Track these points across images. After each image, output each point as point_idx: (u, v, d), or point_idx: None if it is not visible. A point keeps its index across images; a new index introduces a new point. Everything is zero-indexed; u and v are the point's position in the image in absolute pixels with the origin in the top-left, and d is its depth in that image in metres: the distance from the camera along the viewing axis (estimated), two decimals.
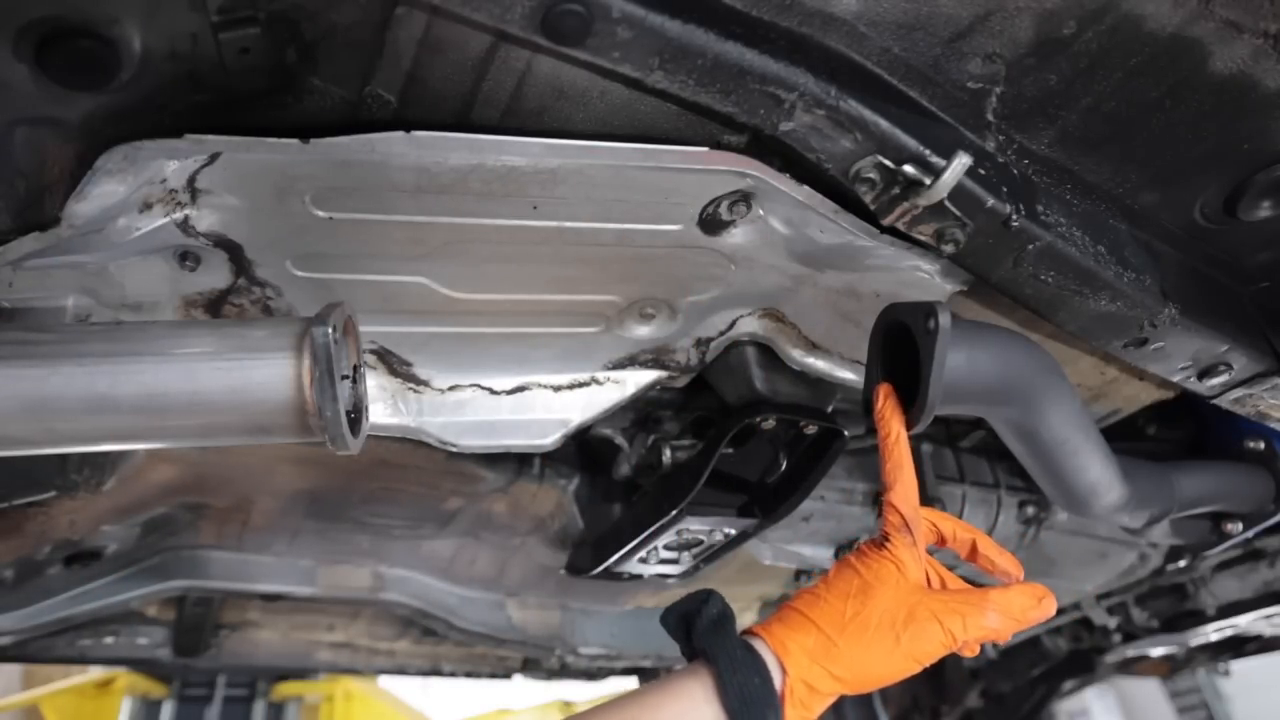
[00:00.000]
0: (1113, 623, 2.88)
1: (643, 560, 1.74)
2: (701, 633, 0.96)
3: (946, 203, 1.03)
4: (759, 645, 0.95)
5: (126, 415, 0.88)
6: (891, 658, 0.94)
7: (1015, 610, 0.98)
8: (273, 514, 1.97)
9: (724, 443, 1.48)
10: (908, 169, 1.00)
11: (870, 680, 0.94)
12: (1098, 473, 1.32)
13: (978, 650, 1.02)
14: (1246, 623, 2.70)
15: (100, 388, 0.87)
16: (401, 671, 2.97)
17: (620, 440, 1.64)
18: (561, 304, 1.31)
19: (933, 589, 0.99)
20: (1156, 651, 3.02)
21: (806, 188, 1.09)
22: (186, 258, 1.11)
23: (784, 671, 0.93)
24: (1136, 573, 2.52)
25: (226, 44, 0.83)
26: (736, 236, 1.23)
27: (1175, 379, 1.35)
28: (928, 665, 0.96)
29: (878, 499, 1.95)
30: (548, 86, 0.96)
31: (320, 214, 1.08)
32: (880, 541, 1.01)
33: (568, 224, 1.15)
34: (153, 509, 1.88)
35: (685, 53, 0.88)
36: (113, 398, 0.87)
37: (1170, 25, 0.96)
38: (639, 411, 1.63)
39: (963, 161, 0.97)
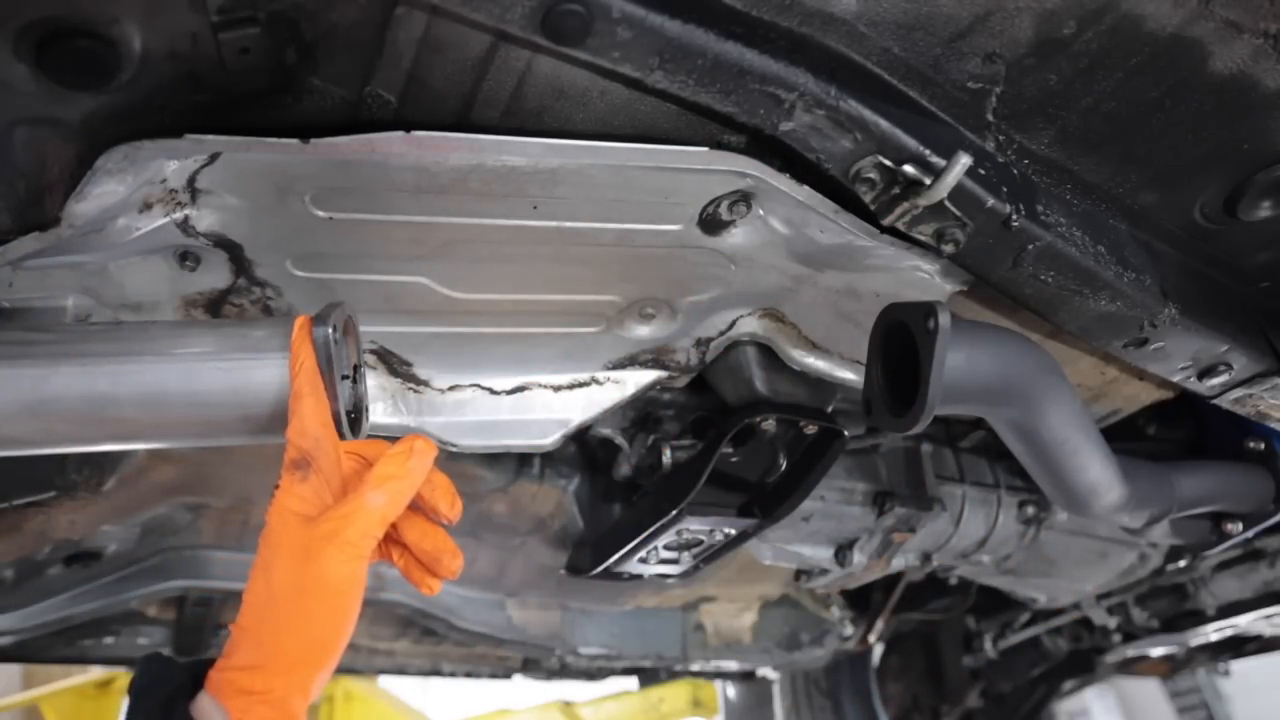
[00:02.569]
0: (1113, 623, 2.88)
1: (643, 560, 1.74)
2: None
3: (946, 203, 1.03)
4: (205, 705, 0.81)
5: (126, 415, 0.88)
6: (319, 613, 0.83)
7: (394, 473, 0.87)
8: None
9: (724, 443, 1.48)
10: (908, 169, 1.00)
11: (324, 652, 0.84)
12: (1098, 473, 1.32)
13: (431, 547, 0.93)
14: (1246, 623, 2.70)
15: (100, 387, 0.87)
16: (401, 671, 2.96)
17: (620, 440, 1.64)
18: (561, 304, 1.31)
19: (320, 513, 0.85)
20: (1156, 651, 3.02)
21: (806, 188, 1.09)
22: (186, 258, 1.11)
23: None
24: (1136, 573, 2.52)
25: (226, 44, 0.83)
26: (736, 236, 1.23)
27: (1175, 379, 1.35)
28: (354, 592, 0.84)
29: (879, 498, 1.95)
30: (548, 86, 0.96)
31: (320, 214, 1.08)
32: (272, 492, 0.88)
33: (568, 224, 1.15)
34: (153, 509, 1.88)
35: (685, 53, 0.88)
36: (113, 397, 0.87)
37: (1170, 25, 0.96)
38: (639, 411, 1.63)
39: (963, 161, 0.97)
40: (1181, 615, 2.78)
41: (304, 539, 0.83)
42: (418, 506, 0.96)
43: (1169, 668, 3.35)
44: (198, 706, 0.81)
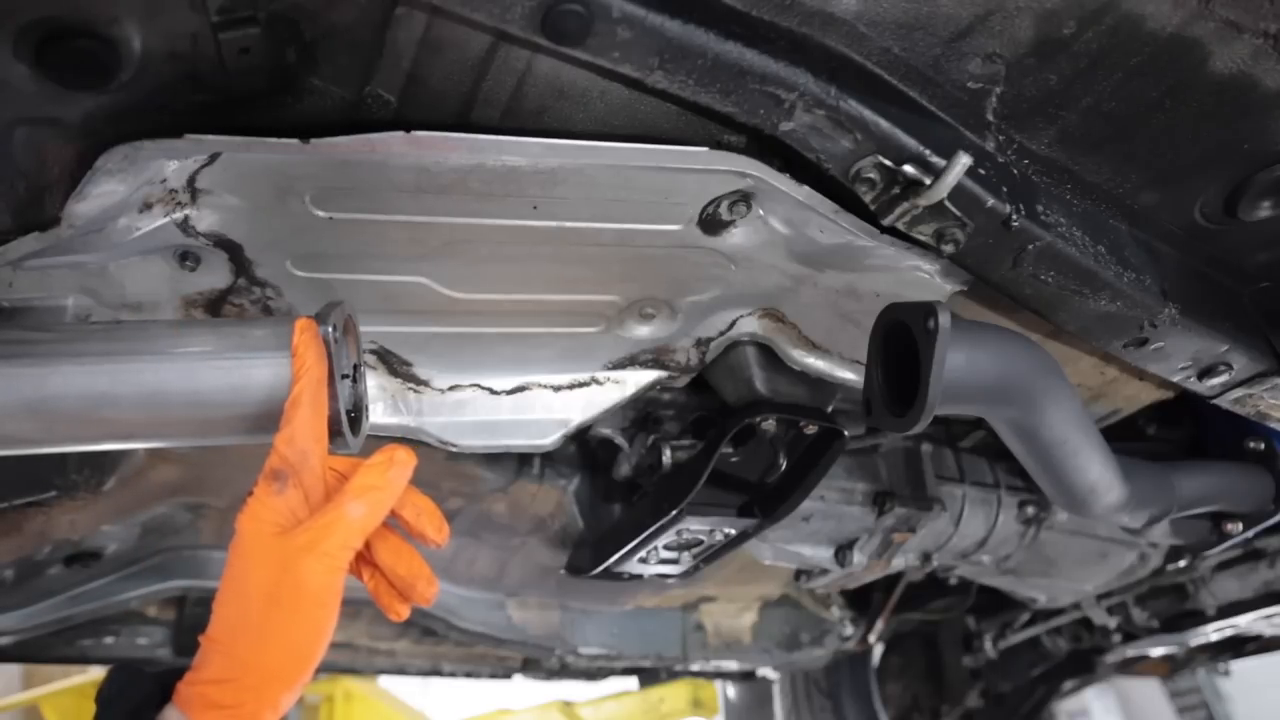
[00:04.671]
0: (1113, 623, 2.88)
1: (643, 560, 1.74)
2: None
3: (946, 203, 1.03)
4: (172, 718, 0.80)
5: (126, 414, 0.88)
6: (295, 626, 0.80)
7: (374, 483, 0.86)
8: None
9: (724, 443, 1.48)
10: (908, 169, 1.00)
11: (299, 666, 0.81)
12: (1098, 473, 1.32)
13: (408, 561, 0.90)
14: (1246, 623, 2.70)
15: (100, 387, 0.87)
16: (401, 671, 2.96)
17: (620, 440, 1.64)
18: (561, 304, 1.31)
19: (296, 526, 0.83)
20: (1156, 651, 3.02)
21: (806, 188, 1.09)
22: (186, 258, 1.11)
23: None
24: (1136, 573, 2.52)
25: (226, 44, 0.83)
26: (736, 236, 1.23)
27: (1175, 379, 1.35)
28: (331, 603, 0.82)
29: (879, 498, 1.95)
30: (548, 86, 0.96)
31: (320, 214, 1.08)
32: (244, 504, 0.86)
33: (568, 224, 1.15)
34: (153, 509, 1.88)
35: (685, 53, 0.87)
36: (112, 397, 0.87)
37: (1170, 25, 0.96)
38: (639, 411, 1.63)
39: (963, 161, 0.97)
40: (1181, 615, 2.77)
41: (280, 550, 0.81)
42: (395, 527, 0.93)
43: (1169, 668, 3.35)
44: (164, 719, 0.79)
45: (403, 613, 0.95)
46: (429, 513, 0.93)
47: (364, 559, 0.93)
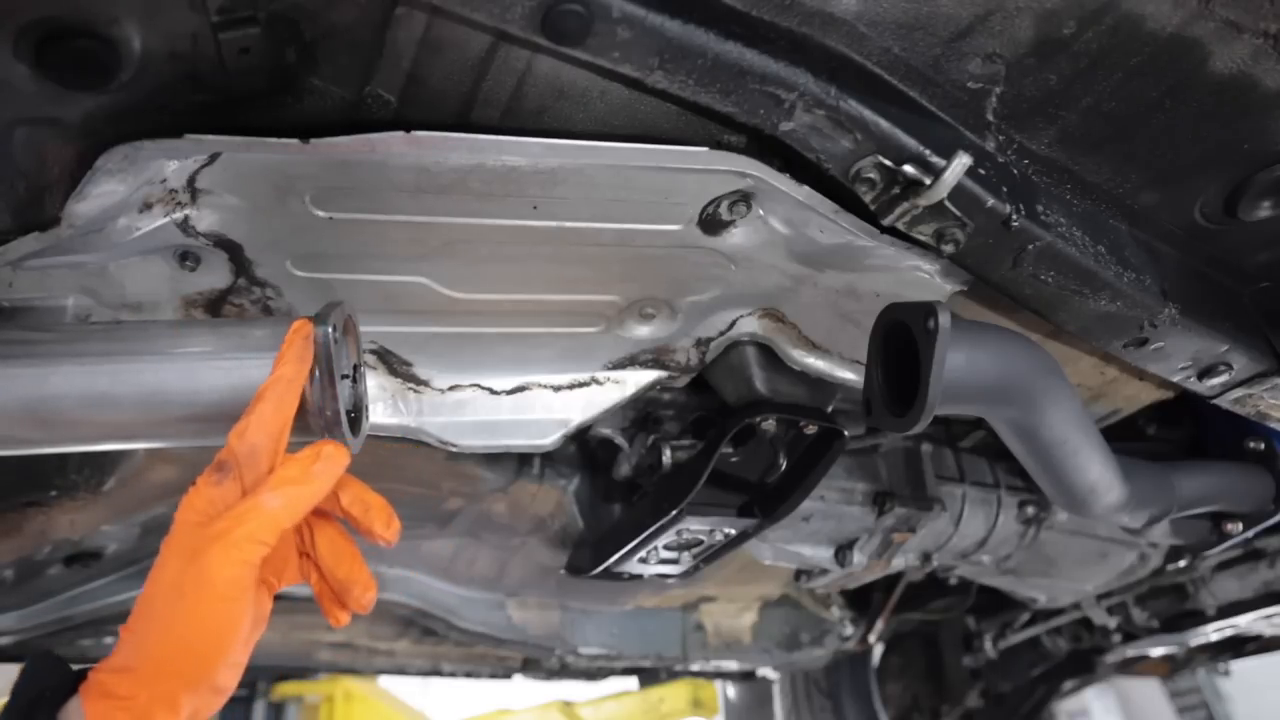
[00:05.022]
0: (1113, 623, 2.88)
1: (643, 560, 1.74)
2: None
3: (946, 203, 1.02)
4: (72, 708, 0.77)
5: (126, 414, 0.88)
6: (195, 617, 0.76)
7: (295, 476, 0.82)
8: None
9: (724, 443, 1.48)
10: (908, 169, 1.00)
11: (198, 663, 0.77)
12: (1098, 473, 1.32)
13: (342, 561, 0.87)
14: (1246, 623, 2.70)
15: (100, 387, 0.87)
16: (401, 671, 2.97)
17: (620, 440, 1.64)
18: (561, 304, 1.31)
19: (218, 514, 0.80)
20: (1156, 651, 3.02)
21: (806, 188, 1.09)
22: (186, 258, 1.11)
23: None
24: (1136, 573, 2.52)
25: (226, 44, 0.83)
26: (736, 236, 1.22)
27: (1175, 379, 1.35)
28: (238, 599, 0.78)
29: (879, 498, 1.95)
30: (548, 86, 0.96)
31: (320, 214, 1.08)
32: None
33: (568, 224, 1.15)
34: (153, 509, 1.87)
35: (685, 53, 0.87)
36: (113, 397, 0.87)
37: (1170, 25, 0.96)
38: (639, 411, 1.63)
39: (963, 161, 0.97)
40: (1181, 615, 2.78)
41: (192, 539, 0.78)
42: (345, 528, 0.91)
43: (1169, 668, 3.36)
44: (66, 710, 0.76)
45: (342, 619, 0.92)
46: (378, 508, 0.90)
47: (309, 559, 0.91)
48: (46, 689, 0.78)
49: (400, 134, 0.96)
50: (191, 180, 1.02)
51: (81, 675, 0.79)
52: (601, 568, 1.75)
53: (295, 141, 0.95)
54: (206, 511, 0.80)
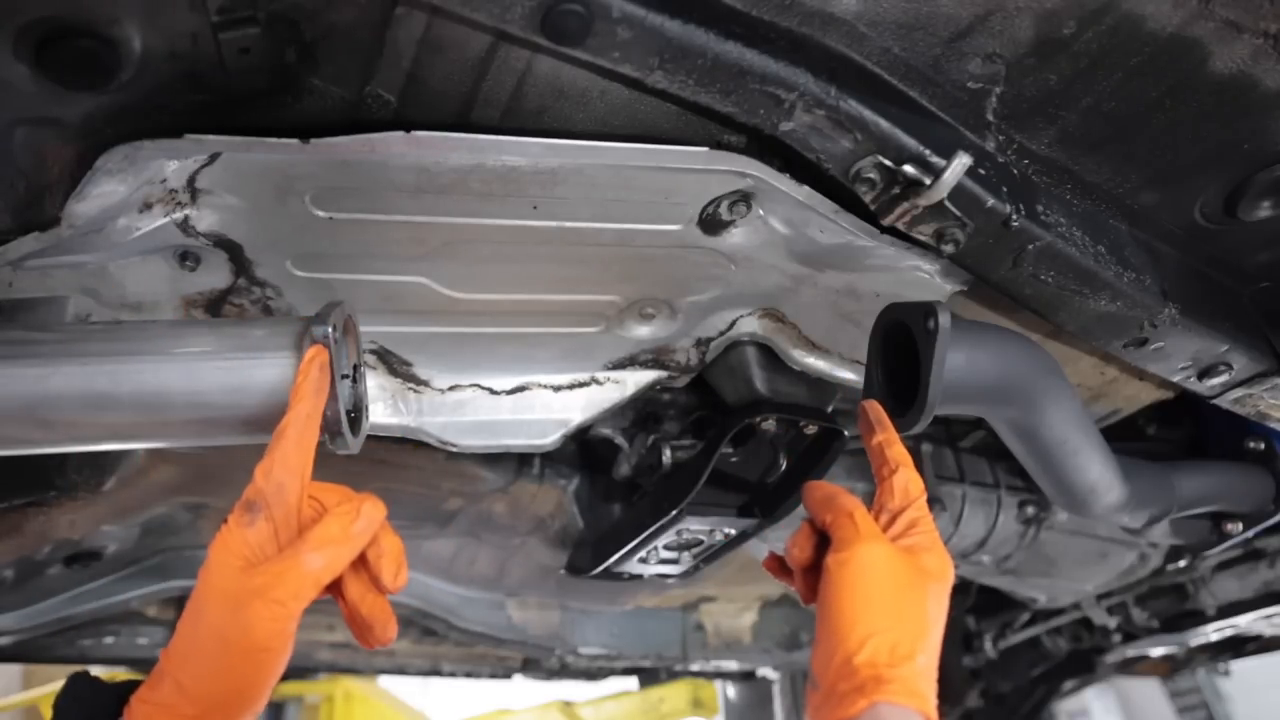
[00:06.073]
0: (1113, 623, 2.88)
1: (643, 560, 1.74)
2: None
3: (946, 203, 1.03)
4: None
5: (127, 414, 0.88)
6: (240, 668, 0.81)
7: (336, 536, 0.85)
8: None
9: (724, 443, 1.48)
10: (908, 169, 1.00)
11: (241, 704, 0.81)
12: (1098, 473, 1.32)
13: (376, 613, 0.91)
14: (1246, 623, 2.70)
15: (100, 387, 0.87)
16: (401, 671, 2.97)
17: (620, 440, 1.64)
18: (562, 304, 1.31)
19: (261, 562, 0.83)
20: (1156, 651, 3.02)
21: (806, 188, 1.09)
22: (186, 258, 1.11)
23: None
24: (1136, 573, 2.52)
25: (226, 44, 0.83)
26: (736, 236, 1.23)
27: (1175, 379, 1.35)
28: (279, 648, 0.83)
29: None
30: (548, 86, 0.96)
31: (320, 214, 1.08)
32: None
33: (568, 224, 1.15)
34: (153, 509, 1.87)
35: (685, 53, 0.88)
36: (113, 397, 0.87)
37: (1170, 25, 0.96)
38: (639, 411, 1.63)
39: (963, 161, 0.97)
40: (1181, 615, 2.77)
41: (236, 588, 0.81)
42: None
43: (1169, 668, 3.35)
44: None
45: (370, 644, 0.95)
46: (390, 555, 0.92)
47: (338, 588, 0.93)
48: (92, 711, 0.82)
49: (400, 134, 0.96)
50: (191, 180, 1.02)
51: (121, 698, 0.82)
52: (601, 568, 1.75)
53: (295, 141, 0.95)
54: (243, 554, 0.82)
